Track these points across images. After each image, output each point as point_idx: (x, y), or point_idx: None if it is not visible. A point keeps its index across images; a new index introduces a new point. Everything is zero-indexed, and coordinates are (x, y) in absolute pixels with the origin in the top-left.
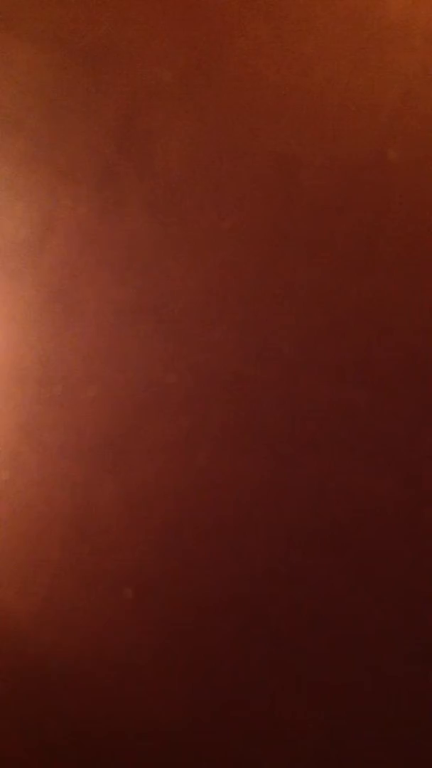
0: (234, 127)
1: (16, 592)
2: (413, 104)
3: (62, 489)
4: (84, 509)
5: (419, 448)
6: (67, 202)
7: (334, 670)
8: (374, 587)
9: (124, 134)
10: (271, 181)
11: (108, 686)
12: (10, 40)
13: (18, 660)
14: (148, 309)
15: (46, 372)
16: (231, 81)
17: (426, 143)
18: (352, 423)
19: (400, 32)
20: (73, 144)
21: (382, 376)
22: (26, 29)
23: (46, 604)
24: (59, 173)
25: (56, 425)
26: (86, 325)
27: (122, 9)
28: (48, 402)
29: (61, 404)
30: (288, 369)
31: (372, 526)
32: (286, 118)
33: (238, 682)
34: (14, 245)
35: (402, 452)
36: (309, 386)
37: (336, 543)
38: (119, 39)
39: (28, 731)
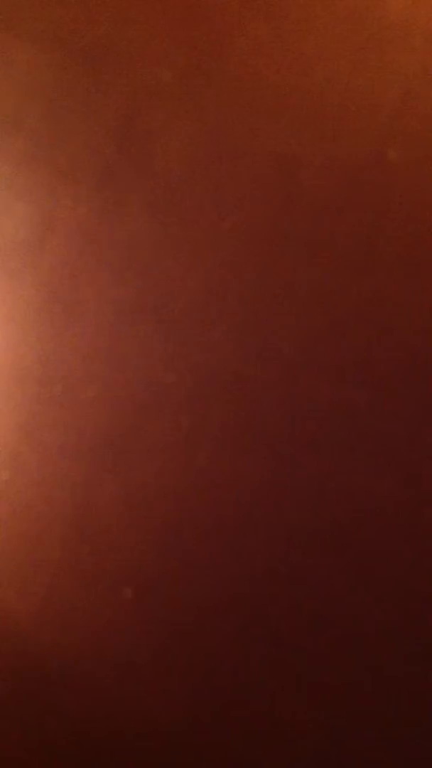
0: (234, 127)
1: (16, 592)
2: (413, 104)
3: (62, 489)
4: (84, 509)
5: (419, 448)
6: (67, 202)
7: (334, 670)
8: (374, 587)
9: (124, 134)
10: (271, 181)
11: (108, 686)
12: (10, 40)
13: (18, 660)
14: (148, 309)
15: (46, 372)
16: (231, 81)
17: (426, 143)
18: (352, 423)
19: (400, 32)
20: (73, 144)
21: (382, 376)
22: (26, 29)
23: (45, 603)
24: (59, 173)
25: (56, 425)
26: (86, 325)
27: (122, 9)
28: (48, 402)
29: (61, 404)
30: (288, 369)
31: (372, 526)
32: (286, 118)
33: (238, 682)
34: (14, 245)
35: (402, 452)
36: (309, 386)
37: (336, 543)
38: (119, 39)
39: (28, 731)
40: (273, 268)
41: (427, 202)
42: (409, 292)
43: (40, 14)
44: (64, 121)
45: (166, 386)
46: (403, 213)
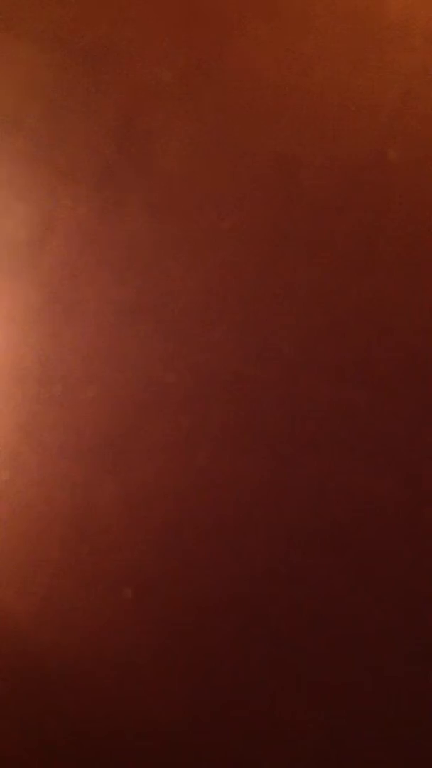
0: (234, 127)
1: (15, 592)
2: (413, 104)
3: (62, 489)
4: (84, 509)
5: (419, 448)
6: (67, 202)
7: (334, 670)
8: (374, 587)
9: (124, 134)
10: (271, 181)
11: (108, 686)
12: (10, 40)
13: (18, 660)
14: (148, 309)
15: (45, 372)
16: (231, 81)
17: (426, 143)
18: (352, 423)
19: (400, 32)
20: (73, 144)
21: (382, 376)
22: (26, 29)
23: (45, 603)
24: (59, 173)
25: (56, 425)
26: (86, 325)
27: (122, 9)
28: (48, 402)
29: (61, 404)
30: (288, 369)
31: (372, 526)
32: (286, 118)
33: (238, 682)
34: (14, 245)
35: (402, 452)
36: (309, 386)
37: (336, 543)
38: (119, 39)
39: (27, 731)
40: (273, 268)
41: (427, 202)
42: (409, 292)
43: (40, 14)
44: (64, 121)
45: (166, 386)
46: (403, 213)
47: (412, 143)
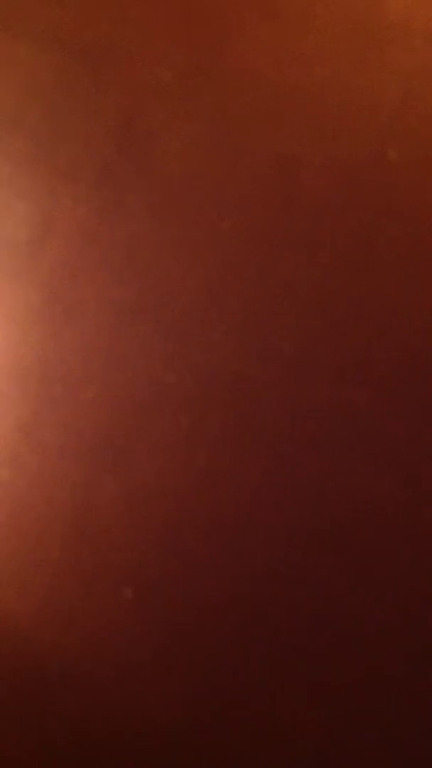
0: (234, 127)
1: (15, 592)
2: (413, 104)
3: (62, 489)
4: (84, 509)
5: (419, 448)
6: (67, 202)
7: (334, 670)
8: (374, 587)
9: (124, 134)
10: (271, 181)
11: (108, 686)
12: (10, 40)
13: (18, 660)
14: (148, 309)
15: (45, 372)
16: (231, 81)
17: (426, 143)
18: (352, 423)
19: (400, 32)
20: (73, 144)
21: (382, 376)
22: (26, 29)
23: (45, 603)
24: (59, 173)
25: (56, 425)
26: (86, 325)
27: (122, 9)
28: (48, 402)
29: (61, 404)
30: (288, 369)
31: (372, 526)
32: (286, 118)
33: (238, 682)
34: (14, 245)
35: (402, 452)
36: (309, 386)
37: (336, 543)
38: (119, 39)
39: (27, 731)
40: (273, 268)
41: (427, 202)
42: (409, 292)
43: (40, 14)
44: (64, 121)
45: (166, 386)
46: (403, 213)
47: (412, 143)
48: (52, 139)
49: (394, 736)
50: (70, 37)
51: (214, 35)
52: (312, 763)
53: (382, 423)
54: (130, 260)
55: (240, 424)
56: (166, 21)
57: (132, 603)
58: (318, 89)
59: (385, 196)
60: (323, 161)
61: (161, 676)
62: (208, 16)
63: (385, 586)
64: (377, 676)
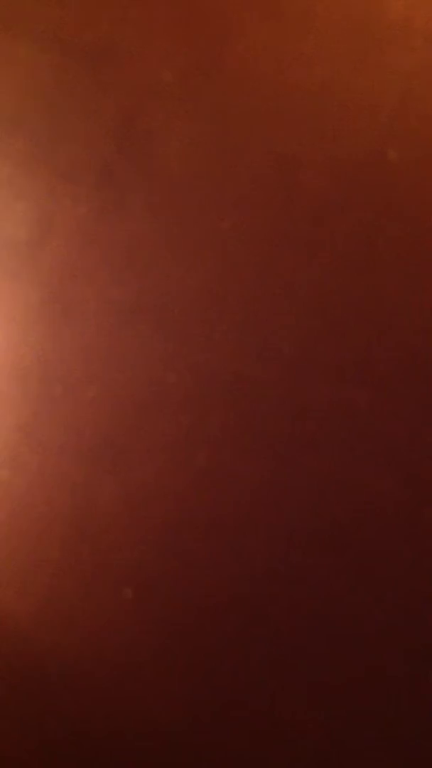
0: (234, 127)
1: (15, 592)
2: (413, 104)
3: (62, 489)
4: (84, 509)
5: (419, 448)
6: (67, 202)
7: (334, 670)
8: (374, 587)
9: (124, 134)
10: (271, 181)
11: (108, 686)
12: (10, 40)
13: (18, 660)
14: (148, 309)
15: (45, 372)
16: (231, 81)
17: (426, 143)
18: (352, 423)
19: (400, 32)
20: (73, 144)
21: (382, 376)
22: (26, 29)
23: (45, 603)
24: (59, 173)
25: (56, 425)
26: (86, 325)
27: (122, 9)
28: (48, 402)
29: (61, 404)
30: (288, 369)
31: (372, 526)
32: (286, 118)
33: (238, 682)
34: (14, 245)
35: (402, 452)
36: (309, 386)
37: (336, 543)
38: (119, 39)
39: (27, 731)
40: (273, 268)
41: (427, 202)
42: (409, 292)
43: (40, 14)
44: (64, 121)
45: (166, 386)
46: (403, 213)
47: (412, 143)
48: (52, 139)
49: (394, 736)
50: (70, 37)
51: (214, 35)
52: (312, 763)
53: (382, 423)
54: (130, 260)
55: (240, 424)
56: (166, 21)
57: (132, 603)
58: (318, 89)
59: (385, 196)
60: (323, 161)
61: (161, 676)
62: (208, 16)
63: (385, 586)
64: (377, 676)
